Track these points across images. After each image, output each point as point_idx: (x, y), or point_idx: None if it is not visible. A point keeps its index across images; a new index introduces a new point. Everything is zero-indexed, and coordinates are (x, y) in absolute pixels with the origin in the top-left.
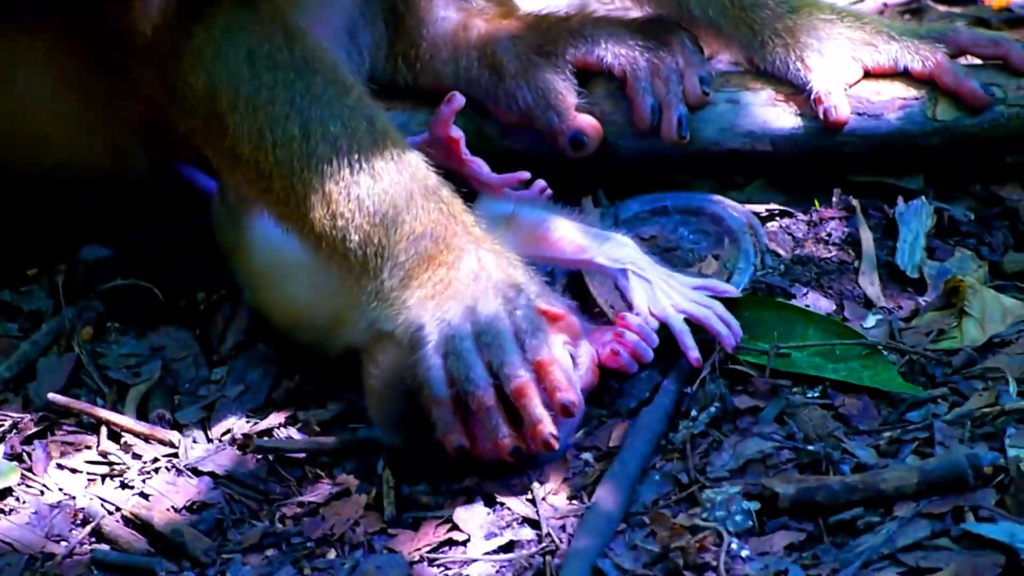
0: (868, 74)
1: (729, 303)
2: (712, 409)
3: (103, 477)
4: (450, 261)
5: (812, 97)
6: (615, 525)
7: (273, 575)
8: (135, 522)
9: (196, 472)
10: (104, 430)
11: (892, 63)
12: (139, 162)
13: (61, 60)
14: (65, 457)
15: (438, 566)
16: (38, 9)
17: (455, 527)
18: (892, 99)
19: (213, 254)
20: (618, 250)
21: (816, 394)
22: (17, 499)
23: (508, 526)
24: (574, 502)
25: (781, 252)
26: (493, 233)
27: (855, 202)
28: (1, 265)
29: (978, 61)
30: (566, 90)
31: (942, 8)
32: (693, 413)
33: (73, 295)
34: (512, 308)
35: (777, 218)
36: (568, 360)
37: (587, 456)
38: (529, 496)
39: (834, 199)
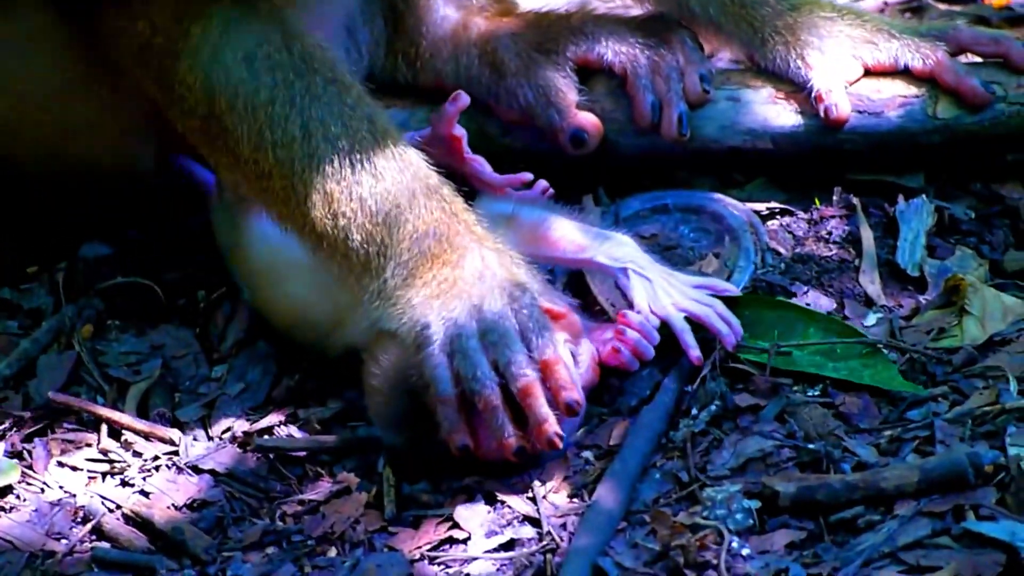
0: (869, 72)
1: (730, 301)
2: (713, 407)
3: (103, 475)
4: (454, 260)
5: (813, 95)
6: (616, 523)
7: (273, 573)
8: (135, 520)
9: (196, 470)
10: (104, 428)
11: (893, 61)
12: (142, 159)
13: (63, 58)
14: (65, 455)
15: (439, 564)
16: (39, 8)
17: (456, 525)
18: (893, 97)
19: (213, 252)
20: (618, 249)
21: (817, 392)
22: (17, 497)
23: (509, 524)
24: (575, 500)
25: (782, 250)
26: (494, 232)
27: (856, 200)
28: (1, 263)
29: (979, 59)
30: (567, 88)
31: (943, 6)
32: (694, 411)
33: (73, 293)
34: (517, 307)
35: (778, 216)
36: (570, 358)
37: (588, 454)
38: (530, 494)
39: (835, 197)
